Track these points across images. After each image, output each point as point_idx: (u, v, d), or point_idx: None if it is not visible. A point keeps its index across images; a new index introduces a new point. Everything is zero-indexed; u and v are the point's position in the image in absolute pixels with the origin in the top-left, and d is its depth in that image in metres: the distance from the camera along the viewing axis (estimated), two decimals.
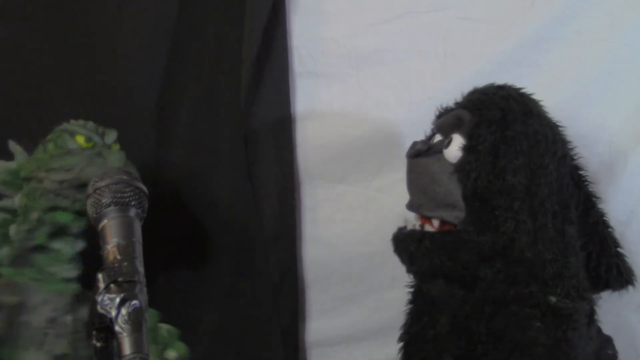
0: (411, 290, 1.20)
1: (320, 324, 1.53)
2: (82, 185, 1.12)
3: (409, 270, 1.13)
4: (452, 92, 1.33)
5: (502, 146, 1.03)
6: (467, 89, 1.20)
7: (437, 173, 1.07)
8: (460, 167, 1.05)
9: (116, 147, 1.22)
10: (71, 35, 1.48)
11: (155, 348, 1.16)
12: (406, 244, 1.08)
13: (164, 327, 1.20)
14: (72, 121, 1.22)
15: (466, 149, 1.06)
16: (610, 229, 1.15)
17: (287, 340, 1.51)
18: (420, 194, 1.10)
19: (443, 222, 1.08)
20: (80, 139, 1.17)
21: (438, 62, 1.38)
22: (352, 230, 1.47)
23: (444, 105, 1.19)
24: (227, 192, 1.49)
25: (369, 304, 1.50)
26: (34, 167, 1.15)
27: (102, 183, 0.76)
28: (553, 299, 1.01)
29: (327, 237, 1.49)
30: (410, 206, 1.13)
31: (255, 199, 1.46)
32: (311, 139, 1.45)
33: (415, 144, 1.13)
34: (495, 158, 1.03)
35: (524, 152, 1.03)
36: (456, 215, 1.05)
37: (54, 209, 1.12)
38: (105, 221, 0.74)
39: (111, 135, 1.22)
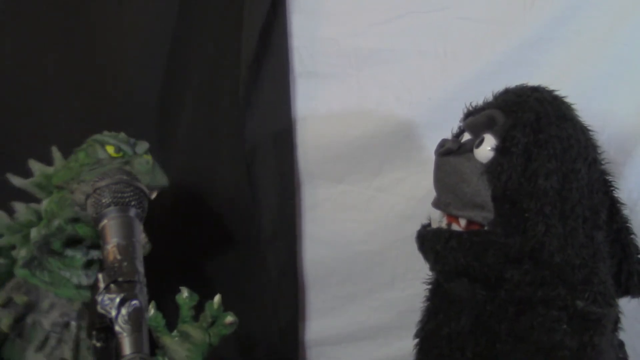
0: (429, 287, 1.19)
1: (320, 324, 1.53)
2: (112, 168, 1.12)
3: (432, 269, 1.12)
4: (452, 92, 1.33)
5: (535, 149, 1.03)
6: (467, 89, 1.20)
7: (466, 173, 1.06)
8: (491, 168, 1.04)
9: (147, 157, 1.21)
10: (71, 36, 1.48)
11: (201, 323, 1.20)
12: (432, 242, 1.07)
13: (216, 299, 1.22)
14: (105, 132, 1.22)
15: (499, 150, 1.04)
16: (633, 236, 1.14)
17: (287, 339, 1.51)
18: (448, 193, 1.08)
19: (470, 222, 1.07)
20: (110, 149, 1.18)
21: (438, 62, 1.38)
22: (352, 230, 1.47)
23: (473, 104, 1.17)
24: (227, 192, 1.49)
25: (369, 304, 1.50)
26: (67, 176, 1.15)
27: (102, 183, 0.76)
28: (580, 303, 1.00)
29: (327, 237, 1.49)
30: (437, 204, 1.11)
31: (255, 199, 1.46)
32: (311, 139, 1.45)
33: (445, 142, 1.11)
34: (527, 161, 1.02)
35: (557, 156, 1.03)
36: (485, 216, 1.04)
37: (76, 220, 1.12)
38: (105, 221, 0.74)
39: (142, 146, 1.22)
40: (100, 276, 0.68)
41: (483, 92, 1.19)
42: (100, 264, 0.70)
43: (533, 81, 1.31)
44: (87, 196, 0.77)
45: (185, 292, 1.21)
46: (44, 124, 1.47)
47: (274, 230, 1.48)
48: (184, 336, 1.18)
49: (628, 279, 1.12)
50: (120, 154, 1.18)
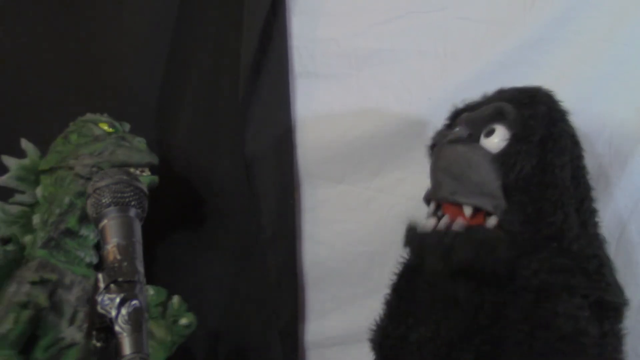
0: (393, 290, 1.18)
1: (319, 325, 1.53)
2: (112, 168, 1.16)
3: (434, 268, 1.07)
4: (452, 92, 1.33)
5: (550, 142, 1.05)
6: (467, 89, 1.20)
7: (476, 161, 1.06)
8: (505, 158, 1.05)
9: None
10: (71, 35, 1.48)
11: (166, 322, 1.24)
12: (439, 239, 1.04)
13: (175, 300, 1.27)
14: (88, 114, 1.28)
15: (516, 138, 1.05)
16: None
17: (286, 340, 1.51)
18: (453, 181, 1.07)
19: (476, 211, 1.06)
20: (104, 126, 1.25)
21: (438, 62, 1.38)
22: (352, 230, 1.47)
23: (467, 101, 1.18)
24: (227, 191, 1.49)
25: (368, 304, 1.49)
26: (57, 158, 1.21)
27: (102, 183, 0.76)
28: (597, 293, 1.01)
29: (326, 237, 1.49)
30: (438, 194, 1.09)
31: (255, 199, 1.46)
32: (311, 139, 1.45)
33: (441, 133, 1.12)
34: (542, 152, 1.04)
35: (569, 150, 1.06)
36: (496, 204, 1.04)
37: (84, 194, 1.17)
38: (105, 221, 0.74)
39: (126, 126, 1.30)
40: (100, 276, 0.68)
41: (483, 93, 1.19)
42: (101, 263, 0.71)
43: (533, 81, 1.32)
44: (88, 196, 0.76)
45: (150, 290, 1.25)
46: (43, 123, 1.46)
47: (273, 231, 1.47)
48: (149, 334, 1.21)
49: None
50: (114, 129, 1.26)
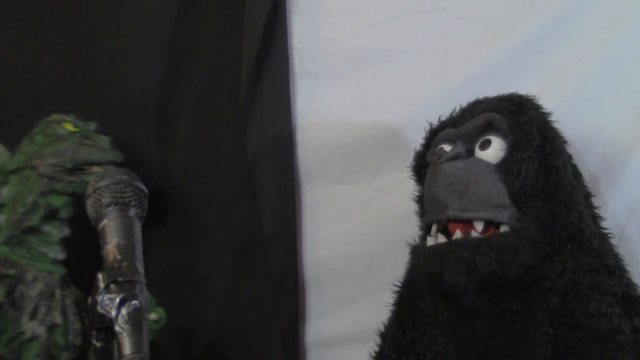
0: (397, 305, 1.18)
1: (319, 325, 1.53)
2: (74, 168, 1.22)
3: (455, 284, 1.02)
4: (452, 92, 1.33)
5: (548, 145, 1.06)
6: (467, 89, 1.20)
7: (479, 174, 1.04)
8: (508, 166, 1.04)
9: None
10: (71, 36, 1.48)
11: None
12: (459, 253, 1.00)
13: None
14: (53, 115, 1.29)
15: (517, 146, 1.05)
16: None
17: (287, 340, 1.50)
18: (460, 198, 1.04)
19: (487, 224, 1.04)
20: (68, 125, 1.26)
21: (438, 62, 1.38)
22: (352, 230, 1.47)
23: (441, 119, 1.20)
24: (227, 192, 1.49)
25: (368, 305, 1.49)
26: (23, 159, 1.23)
27: (102, 183, 0.76)
28: (623, 289, 1.01)
29: (327, 237, 1.49)
30: (447, 214, 1.05)
31: (255, 199, 1.46)
32: (311, 139, 1.45)
33: (444, 151, 1.11)
34: (542, 156, 1.05)
35: (563, 152, 1.08)
36: (511, 214, 1.03)
37: (48, 193, 1.20)
38: (105, 221, 0.74)
39: (92, 126, 1.30)
40: (100, 276, 0.68)
41: (483, 92, 1.19)
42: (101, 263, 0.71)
43: (533, 81, 1.32)
44: (87, 196, 0.76)
45: None
46: None
47: (274, 231, 1.47)
48: None
49: None
50: (78, 128, 1.26)
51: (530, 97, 1.13)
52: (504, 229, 1.03)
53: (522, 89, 1.18)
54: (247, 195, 1.46)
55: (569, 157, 1.11)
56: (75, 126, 1.27)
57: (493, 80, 1.22)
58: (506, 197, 1.04)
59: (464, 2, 1.37)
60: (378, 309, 1.48)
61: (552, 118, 1.13)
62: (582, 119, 1.32)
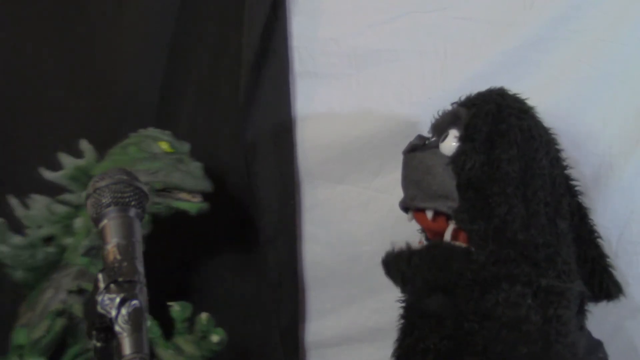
0: (402, 305, 1.21)
1: (319, 325, 1.53)
2: (162, 190, 1.20)
3: (403, 291, 1.15)
4: (452, 92, 1.33)
5: (497, 138, 1.08)
6: (467, 89, 1.20)
7: (432, 165, 1.11)
8: (456, 157, 1.09)
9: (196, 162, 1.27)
10: (71, 35, 1.48)
11: (194, 337, 1.20)
12: (396, 265, 1.11)
13: (203, 316, 1.22)
14: (150, 129, 1.27)
15: (462, 139, 1.10)
16: (600, 239, 1.19)
17: (287, 340, 1.51)
18: (414, 187, 1.14)
19: (436, 213, 1.11)
20: (164, 145, 1.23)
21: (438, 62, 1.38)
22: (352, 230, 1.47)
23: (441, 112, 1.22)
24: (227, 192, 1.49)
25: (368, 305, 1.49)
26: (112, 167, 1.18)
27: (102, 183, 0.76)
28: (544, 280, 1.04)
29: (327, 237, 1.49)
30: (404, 201, 1.17)
31: (255, 199, 1.46)
32: (311, 139, 1.45)
33: (411, 141, 1.17)
34: (490, 149, 1.08)
35: (519, 145, 1.08)
36: (450, 205, 1.08)
37: None
38: (105, 221, 0.74)
39: (186, 146, 1.28)
40: (100, 276, 0.68)
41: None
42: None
43: (533, 81, 1.32)
44: (87, 196, 0.76)
45: (176, 306, 1.21)
46: (43, 122, 1.47)
47: (274, 231, 1.47)
48: (178, 350, 1.20)
49: (602, 282, 1.16)
50: (174, 149, 1.24)
51: (502, 91, 1.15)
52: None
53: (522, 89, 1.19)
54: (247, 196, 1.46)
55: (529, 151, 1.09)
56: (172, 147, 1.24)
57: (493, 80, 1.22)
58: (454, 188, 1.08)
59: (464, 2, 1.37)
60: (378, 309, 1.48)
61: (551, 117, 1.14)
62: (582, 119, 1.32)
